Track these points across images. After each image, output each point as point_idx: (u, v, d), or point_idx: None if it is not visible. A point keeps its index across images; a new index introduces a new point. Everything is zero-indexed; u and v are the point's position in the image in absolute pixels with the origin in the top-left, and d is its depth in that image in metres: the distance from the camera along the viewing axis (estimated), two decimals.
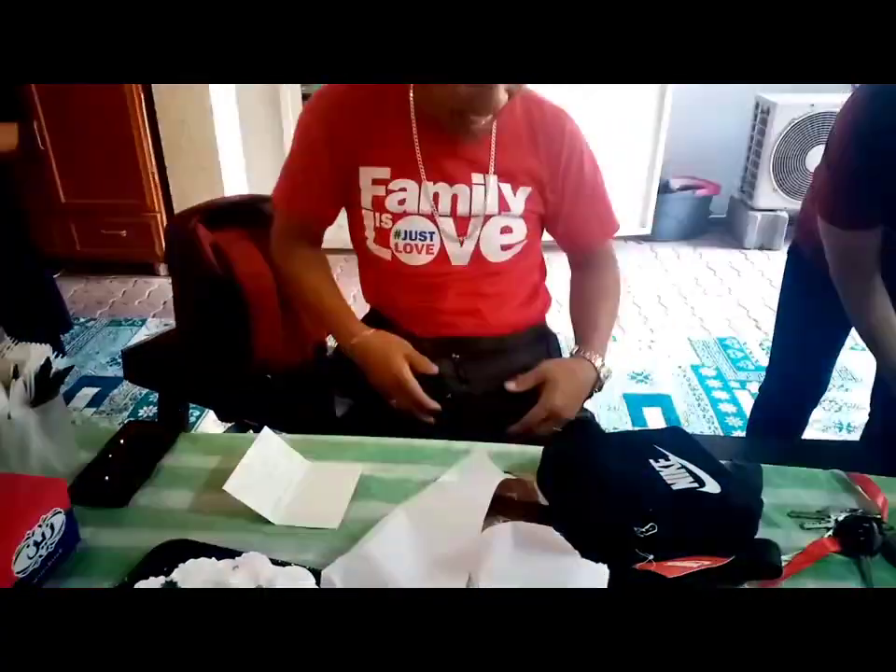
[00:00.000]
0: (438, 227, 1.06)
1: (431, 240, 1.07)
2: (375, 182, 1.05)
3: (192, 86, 2.83)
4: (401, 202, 1.05)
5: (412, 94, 1.02)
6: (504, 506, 0.79)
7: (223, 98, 3.00)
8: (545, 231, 1.17)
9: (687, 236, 3.88)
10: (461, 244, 1.07)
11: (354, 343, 1.06)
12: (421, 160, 1.04)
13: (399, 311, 1.14)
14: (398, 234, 1.07)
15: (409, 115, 1.03)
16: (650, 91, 3.36)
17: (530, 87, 1.09)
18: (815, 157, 3.54)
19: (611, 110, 3.21)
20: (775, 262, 3.64)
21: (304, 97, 4.05)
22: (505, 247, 1.09)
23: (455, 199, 1.05)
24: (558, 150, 1.08)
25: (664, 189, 3.74)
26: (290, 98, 3.24)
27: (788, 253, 1.44)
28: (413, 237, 1.06)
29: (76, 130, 2.90)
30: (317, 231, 1.17)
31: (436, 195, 1.05)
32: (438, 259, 1.08)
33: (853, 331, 1.36)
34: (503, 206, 1.07)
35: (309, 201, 1.11)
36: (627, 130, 3.34)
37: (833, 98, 3.48)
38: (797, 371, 1.50)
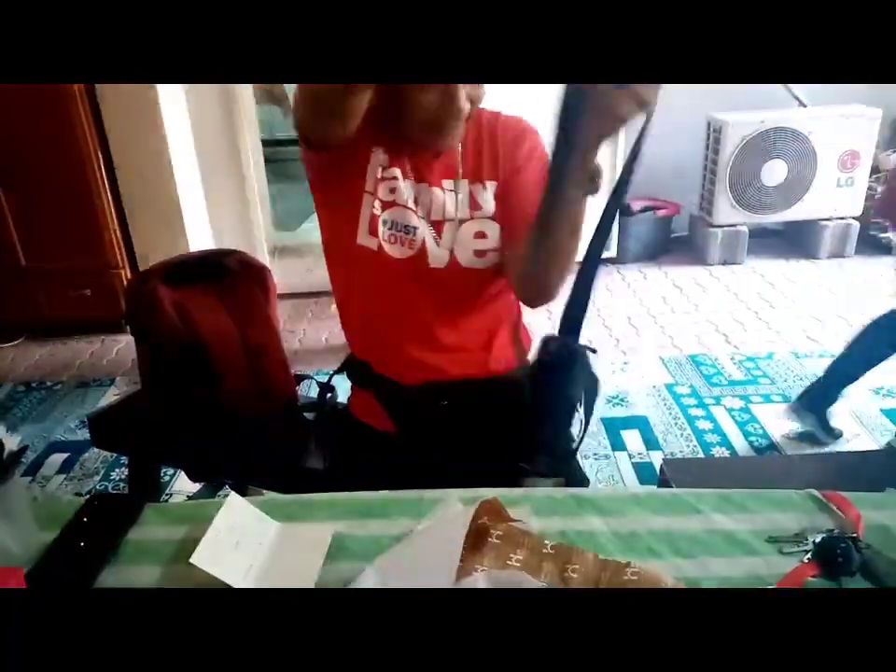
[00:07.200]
0: (419, 224, 1.09)
1: (414, 235, 1.08)
2: (381, 166, 1.07)
3: (149, 140, 2.83)
4: (392, 190, 1.07)
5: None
6: (481, 539, 0.79)
7: (182, 150, 3.00)
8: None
9: (651, 256, 3.94)
10: (438, 244, 1.09)
11: None
12: (408, 157, 1.08)
13: (380, 354, 1.14)
14: (385, 223, 1.07)
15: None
16: None
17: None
18: (769, 171, 3.63)
19: None
20: (739, 276, 3.70)
21: (264, 143, 4.07)
22: (479, 253, 1.10)
23: (430, 202, 1.09)
24: (519, 145, 1.12)
25: (625, 211, 3.80)
26: (251, 148, 3.25)
27: None
28: (399, 228, 1.08)
29: (32, 193, 2.88)
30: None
31: (417, 194, 1.09)
32: (418, 254, 1.08)
33: None
34: (474, 206, 1.10)
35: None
36: None
37: (781, 114, 3.59)
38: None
